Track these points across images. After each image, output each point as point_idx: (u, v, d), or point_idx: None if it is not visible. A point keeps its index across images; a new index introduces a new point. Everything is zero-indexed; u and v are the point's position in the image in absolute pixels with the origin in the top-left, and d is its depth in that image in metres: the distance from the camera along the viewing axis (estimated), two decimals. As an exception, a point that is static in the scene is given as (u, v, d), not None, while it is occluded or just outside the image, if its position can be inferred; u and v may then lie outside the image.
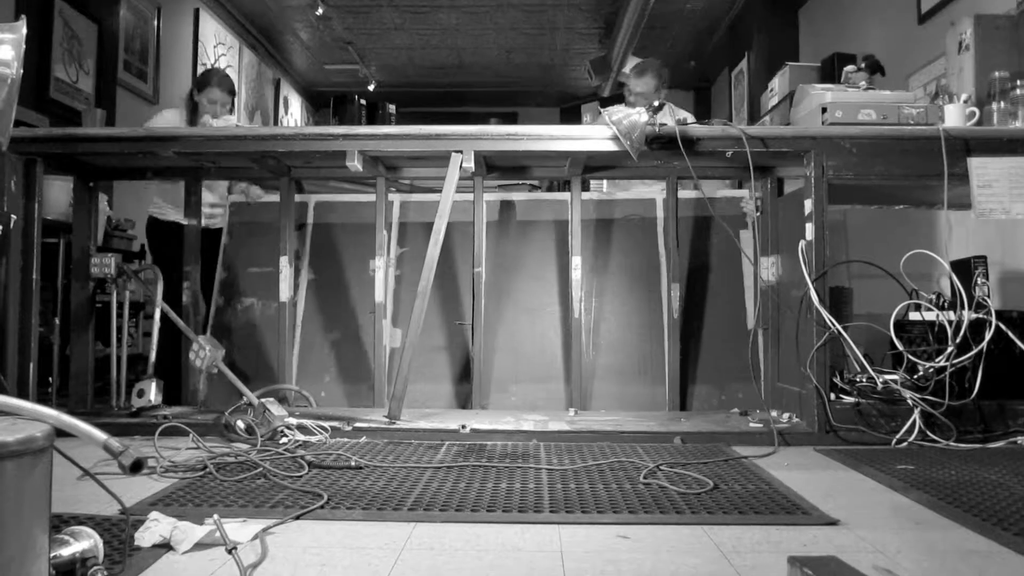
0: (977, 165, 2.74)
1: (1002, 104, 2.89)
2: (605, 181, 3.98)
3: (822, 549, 1.53)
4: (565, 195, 3.52)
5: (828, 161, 2.80)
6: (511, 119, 9.35)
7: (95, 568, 1.19)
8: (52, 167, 3.07)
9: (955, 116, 2.85)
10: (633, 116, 2.75)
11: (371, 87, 8.94)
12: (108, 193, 4.47)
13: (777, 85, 3.99)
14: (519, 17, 7.38)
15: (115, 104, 5.24)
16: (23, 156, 2.90)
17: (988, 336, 2.64)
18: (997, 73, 2.92)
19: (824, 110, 2.88)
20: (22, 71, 1.57)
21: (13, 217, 2.75)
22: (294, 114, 9.37)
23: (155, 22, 5.96)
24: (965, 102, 2.89)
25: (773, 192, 3.35)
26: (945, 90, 3.12)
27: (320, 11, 7.03)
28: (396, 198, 3.65)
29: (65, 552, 1.19)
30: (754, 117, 6.50)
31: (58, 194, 3.52)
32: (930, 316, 2.77)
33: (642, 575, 1.39)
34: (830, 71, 3.77)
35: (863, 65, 3.11)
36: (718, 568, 1.42)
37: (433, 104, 9.51)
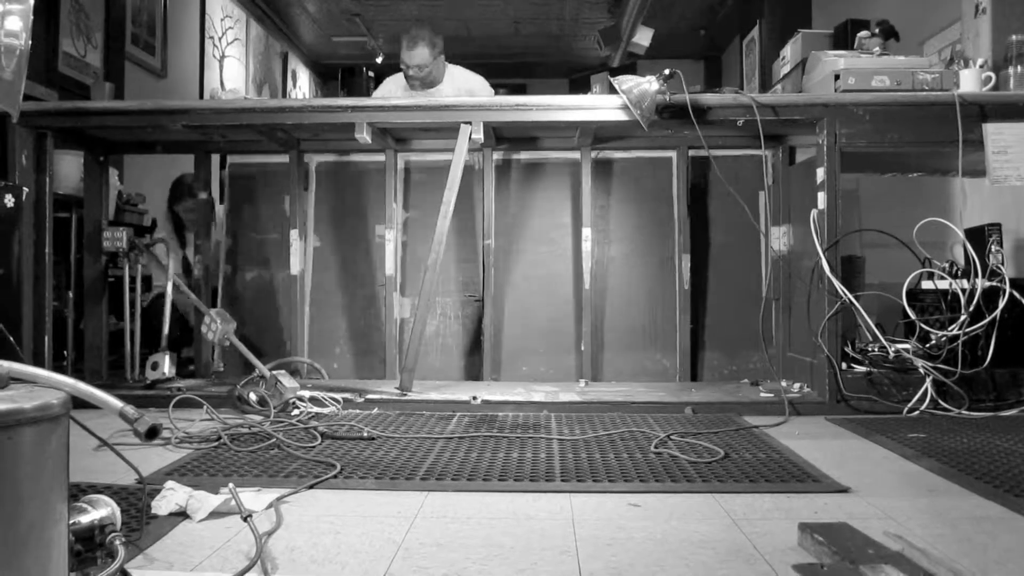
0: (992, 131, 2.70)
1: (1019, 68, 2.84)
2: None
3: (833, 516, 1.53)
4: (575, 153, 3.45)
5: (841, 129, 2.77)
6: (520, 91, 9.23)
7: (113, 535, 1.20)
8: (62, 141, 3.08)
9: (970, 81, 2.80)
10: (643, 85, 2.72)
11: (379, 59, 8.87)
12: (118, 168, 4.46)
13: (789, 53, 3.93)
14: (527, -13, 7.30)
15: (123, 78, 5.22)
16: (33, 130, 2.90)
17: (1002, 304, 2.62)
18: (1014, 36, 2.86)
19: (837, 77, 2.85)
20: (31, 42, 1.57)
21: (25, 190, 2.76)
22: (302, 87, 9.32)
23: (162, -5, 5.91)
24: (981, 67, 2.84)
25: (785, 161, 3.33)
26: (960, 55, 3.07)
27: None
28: (401, 157, 3.58)
29: (84, 519, 1.21)
30: (766, 86, 6.41)
31: (69, 169, 3.52)
32: (943, 284, 2.75)
33: (653, 542, 1.40)
34: (843, 38, 3.70)
35: (877, 31, 3.06)
36: (729, 535, 1.43)
37: (441, 76, 9.43)
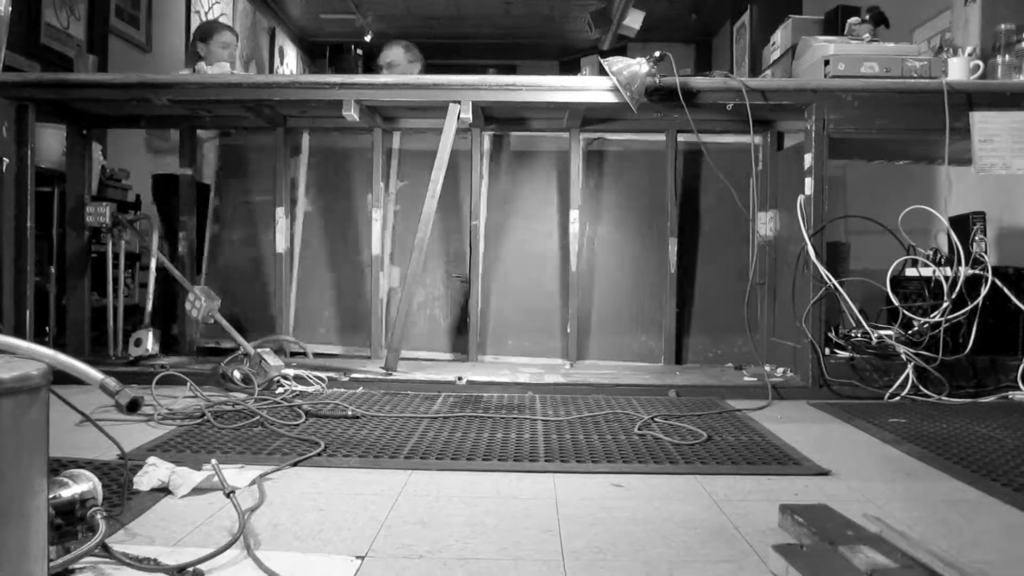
0: (979, 119, 2.72)
1: (1007, 57, 2.85)
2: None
3: (813, 498, 1.54)
4: (564, 133, 3.43)
5: (829, 115, 2.77)
6: (510, 72, 9.17)
7: (94, 510, 1.20)
8: (44, 114, 3.04)
9: (959, 69, 2.81)
10: (633, 66, 2.71)
11: (368, 37, 8.77)
12: (102, 143, 4.41)
13: (779, 39, 3.92)
14: (519, -34, 7.24)
15: (107, 51, 5.15)
16: (14, 101, 2.86)
17: (984, 292, 2.65)
18: (1003, 25, 2.87)
19: (826, 62, 2.85)
20: (10, 9, 1.54)
21: (5, 160, 2.72)
22: (290, 64, 9.22)
23: (147, -33, 5.82)
24: (969, 55, 2.85)
25: (773, 146, 3.33)
26: (950, 43, 3.07)
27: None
28: (395, 126, 3.53)
29: (65, 493, 1.20)
30: (756, 71, 6.40)
31: (51, 142, 3.47)
32: (927, 272, 2.77)
33: (635, 522, 1.40)
34: (834, 24, 3.70)
35: (867, 17, 3.06)
36: (710, 515, 1.44)
37: (431, 55, 9.28)
